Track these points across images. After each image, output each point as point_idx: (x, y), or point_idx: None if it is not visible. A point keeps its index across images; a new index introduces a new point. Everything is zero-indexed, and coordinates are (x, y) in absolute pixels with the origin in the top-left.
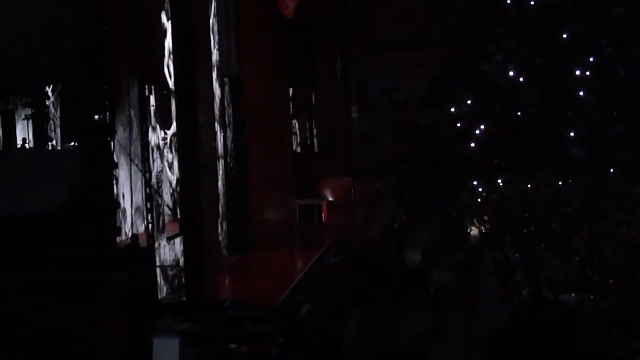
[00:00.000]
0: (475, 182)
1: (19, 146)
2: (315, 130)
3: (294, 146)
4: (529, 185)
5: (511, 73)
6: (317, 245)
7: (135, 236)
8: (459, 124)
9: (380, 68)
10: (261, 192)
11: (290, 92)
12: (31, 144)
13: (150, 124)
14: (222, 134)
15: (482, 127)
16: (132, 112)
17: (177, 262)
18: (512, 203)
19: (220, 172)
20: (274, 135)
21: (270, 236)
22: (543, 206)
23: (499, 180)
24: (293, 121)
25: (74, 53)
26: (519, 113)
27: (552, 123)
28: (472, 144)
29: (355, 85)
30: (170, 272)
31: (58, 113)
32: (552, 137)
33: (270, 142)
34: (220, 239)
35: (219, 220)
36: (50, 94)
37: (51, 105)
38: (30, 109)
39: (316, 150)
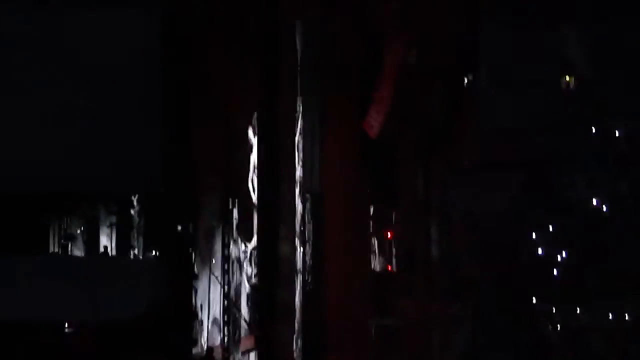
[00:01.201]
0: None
1: (101, 253)
2: (394, 250)
3: (373, 264)
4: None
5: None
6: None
7: (210, 349)
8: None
9: (462, 187)
10: (338, 310)
11: (371, 210)
12: (113, 252)
13: (232, 236)
14: (302, 249)
15: (564, 254)
16: (215, 224)
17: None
18: (593, 333)
19: (298, 287)
20: (353, 252)
21: (347, 356)
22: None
23: (579, 310)
24: (372, 239)
25: (160, 166)
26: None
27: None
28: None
29: (435, 204)
30: None
31: (142, 222)
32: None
33: (348, 259)
34: (295, 356)
35: (295, 337)
36: (135, 203)
37: (135, 215)
38: (114, 217)
39: (395, 270)
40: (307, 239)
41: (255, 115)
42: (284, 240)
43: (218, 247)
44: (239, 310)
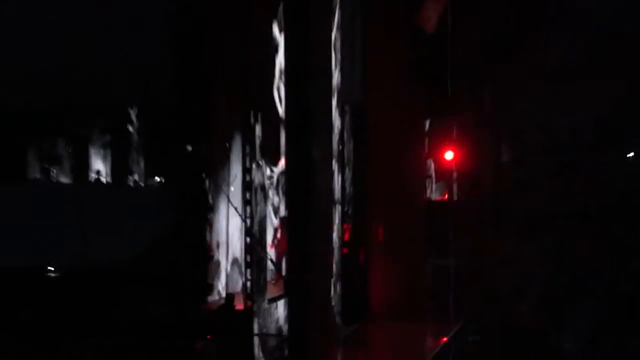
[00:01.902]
0: None
1: (92, 180)
2: (455, 174)
3: (428, 192)
4: None
5: None
6: (454, 318)
7: (230, 296)
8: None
9: (538, 101)
10: (384, 248)
11: (427, 126)
12: (107, 179)
13: (255, 159)
14: (340, 175)
15: None
16: (233, 144)
17: (280, 330)
18: None
19: (336, 221)
20: (404, 178)
21: (394, 304)
22: None
23: None
24: (428, 161)
25: (166, 71)
26: None
27: None
28: None
29: (506, 121)
30: (271, 343)
31: (142, 142)
32: None
33: (398, 186)
34: (333, 304)
35: (332, 281)
36: (134, 118)
37: (134, 133)
38: (108, 136)
39: (456, 199)
40: (346, 161)
41: (281, 7)
42: (319, 163)
43: (237, 171)
44: (264, 249)
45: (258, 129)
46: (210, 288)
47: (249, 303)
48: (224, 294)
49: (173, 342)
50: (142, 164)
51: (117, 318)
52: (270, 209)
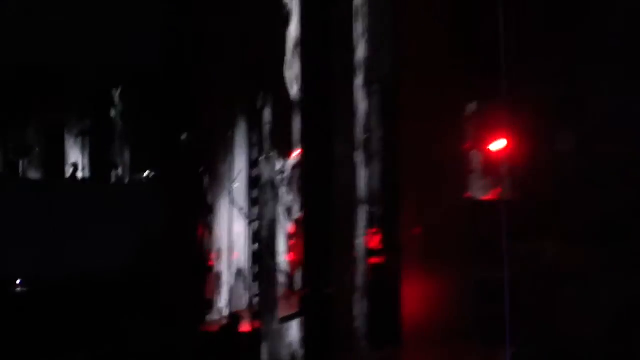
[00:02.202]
0: None
1: (68, 175)
2: (505, 168)
3: (472, 190)
4: None
5: None
6: (505, 343)
7: (235, 316)
8: None
9: (605, 78)
10: (420, 257)
11: (471, 109)
12: (86, 173)
13: (263, 150)
14: (367, 169)
15: None
16: (237, 132)
17: (294, 356)
18: None
19: (361, 225)
20: (443, 173)
21: (432, 324)
22: None
23: None
24: (472, 153)
25: (159, 41)
26: None
27: None
28: None
29: (562, 97)
30: None
31: (128, 129)
32: None
33: (436, 183)
34: (357, 324)
35: (357, 297)
36: (117, 100)
37: (118, 117)
38: (87, 122)
39: (507, 198)
40: (374, 151)
41: None
42: (340, 155)
43: (242, 165)
44: (275, 258)
45: (267, 114)
46: (209, 305)
47: (257, 323)
48: (226, 313)
49: None
50: (127, 156)
51: (95, 343)
52: (281, 209)
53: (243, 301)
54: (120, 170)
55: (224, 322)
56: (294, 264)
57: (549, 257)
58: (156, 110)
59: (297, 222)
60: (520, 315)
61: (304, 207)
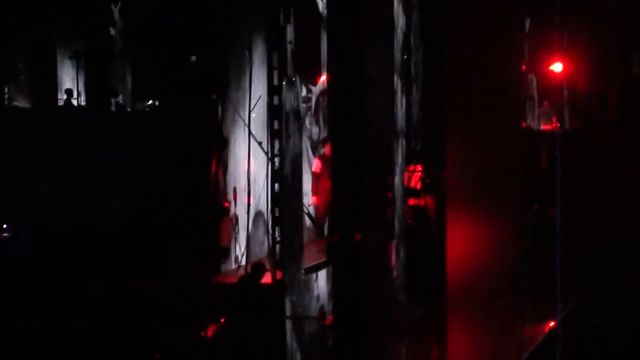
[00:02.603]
0: None
1: (61, 102)
2: (566, 94)
3: (529, 119)
4: None
5: None
6: (563, 296)
7: (258, 266)
8: None
9: None
10: (467, 198)
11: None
12: (82, 100)
13: (286, 74)
14: (405, 96)
15: None
16: (254, 52)
17: (322, 311)
18: None
19: (400, 161)
20: (495, 100)
21: (481, 276)
22: None
23: None
24: (529, 77)
25: None
26: None
27: None
28: None
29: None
30: (309, 328)
31: (128, 50)
32: None
33: (487, 112)
34: (395, 275)
35: (394, 244)
36: (117, 16)
37: (117, 37)
38: (82, 43)
39: (568, 128)
40: (414, 77)
41: None
42: (375, 79)
43: (261, 91)
44: (300, 199)
45: (289, 32)
46: (225, 253)
47: (279, 274)
48: (244, 262)
49: (176, 326)
50: (128, 81)
51: (96, 296)
52: (307, 144)
53: (263, 249)
54: (120, 98)
55: (243, 272)
56: (321, 207)
57: (615, 197)
58: (160, 29)
59: (324, 158)
60: (582, 264)
61: (332, 140)
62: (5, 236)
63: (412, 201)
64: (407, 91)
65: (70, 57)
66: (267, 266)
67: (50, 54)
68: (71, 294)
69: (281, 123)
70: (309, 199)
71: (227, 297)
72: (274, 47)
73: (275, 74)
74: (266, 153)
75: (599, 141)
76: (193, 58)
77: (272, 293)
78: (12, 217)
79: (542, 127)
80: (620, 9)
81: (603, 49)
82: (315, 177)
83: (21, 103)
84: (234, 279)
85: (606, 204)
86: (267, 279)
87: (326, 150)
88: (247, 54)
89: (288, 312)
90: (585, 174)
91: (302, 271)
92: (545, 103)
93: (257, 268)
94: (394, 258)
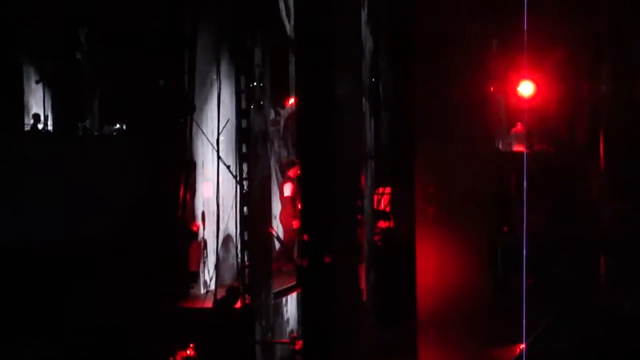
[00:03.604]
0: None
1: (27, 127)
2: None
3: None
4: None
5: None
6: (534, 316)
7: (233, 290)
8: None
9: None
10: (437, 219)
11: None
12: (49, 125)
13: (253, 97)
14: (373, 117)
15: None
16: (222, 76)
17: (292, 336)
18: None
19: (369, 183)
20: (462, 122)
21: (451, 296)
22: None
23: None
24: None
25: None
26: None
27: None
28: None
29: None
30: (279, 353)
31: (96, 74)
32: None
33: (454, 134)
34: (365, 297)
35: (364, 267)
36: (83, 39)
37: (85, 61)
38: (50, 65)
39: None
40: (382, 99)
41: None
42: (343, 101)
43: (229, 114)
44: (268, 222)
45: (257, 55)
46: (193, 278)
47: (247, 300)
48: (212, 286)
49: (145, 351)
50: (96, 105)
51: (64, 317)
52: (275, 166)
53: (231, 272)
54: (87, 122)
55: (216, 297)
56: (289, 229)
57: (588, 217)
58: (130, 52)
59: (293, 180)
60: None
61: (301, 163)
62: None
63: (381, 224)
64: (375, 113)
65: (36, 82)
66: (236, 290)
67: (17, 78)
68: (38, 316)
69: (249, 146)
70: (277, 222)
71: (201, 322)
72: (241, 70)
73: (243, 96)
74: (234, 176)
75: (569, 163)
76: (161, 82)
77: (242, 318)
78: None
79: (514, 149)
80: (589, 27)
81: (572, 69)
82: (290, 200)
83: None
84: (203, 304)
85: (577, 226)
86: (237, 303)
87: (291, 173)
88: (214, 77)
89: (258, 337)
90: (556, 196)
91: (271, 295)
92: (518, 125)
93: (231, 292)
94: (364, 281)
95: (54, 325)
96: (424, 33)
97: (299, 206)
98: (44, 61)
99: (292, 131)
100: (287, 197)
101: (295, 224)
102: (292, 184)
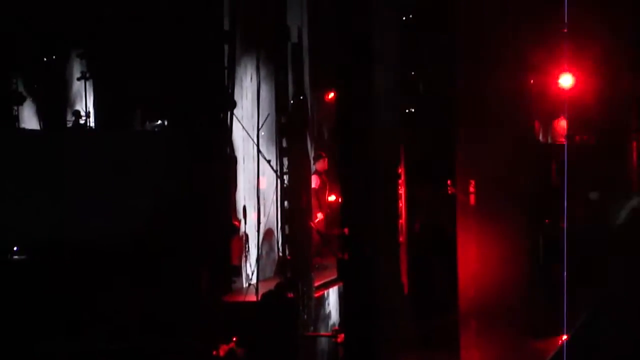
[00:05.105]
0: None
1: (70, 124)
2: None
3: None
4: None
5: None
6: (576, 309)
7: (282, 286)
8: None
9: None
10: (476, 213)
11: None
12: (91, 121)
13: (295, 90)
14: (412, 111)
15: None
16: (261, 70)
17: (334, 329)
18: None
19: (409, 175)
20: (503, 114)
21: (493, 290)
22: None
23: None
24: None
25: None
26: None
27: None
28: None
29: None
30: (320, 346)
31: (137, 69)
32: None
33: (495, 126)
34: (406, 291)
35: (405, 259)
36: (123, 35)
37: (125, 56)
38: (89, 62)
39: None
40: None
41: None
42: (384, 88)
43: (269, 109)
44: (309, 216)
45: (297, 49)
46: (235, 272)
47: (290, 295)
48: (253, 280)
49: (186, 345)
50: (137, 101)
51: (106, 315)
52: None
53: (273, 267)
54: (130, 119)
55: (251, 292)
56: (328, 223)
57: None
58: (171, 42)
59: (320, 174)
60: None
61: (340, 155)
62: (17, 259)
63: (422, 216)
64: (415, 107)
65: (78, 79)
66: (279, 284)
67: (58, 75)
68: (81, 314)
69: (289, 141)
70: (317, 216)
71: (249, 315)
72: (282, 62)
73: (283, 91)
74: (275, 171)
75: (610, 155)
76: (202, 78)
77: (285, 311)
78: (22, 239)
79: (556, 140)
80: (631, 19)
81: (613, 61)
82: (315, 193)
83: (29, 125)
84: (245, 298)
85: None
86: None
87: (318, 166)
88: (254, 72)
89: (301, 330)
90: (596, 187)
91: (313, 289)
92: (561, 117)
93: (286, 283)
94: (405, 274)
95: (94, 321)
96: (465, 27)
97: (325, 199)
98: (86, 58)
99: (320, 123)
100: (317, 189)
101: (320, 216)
102: (318, 177)
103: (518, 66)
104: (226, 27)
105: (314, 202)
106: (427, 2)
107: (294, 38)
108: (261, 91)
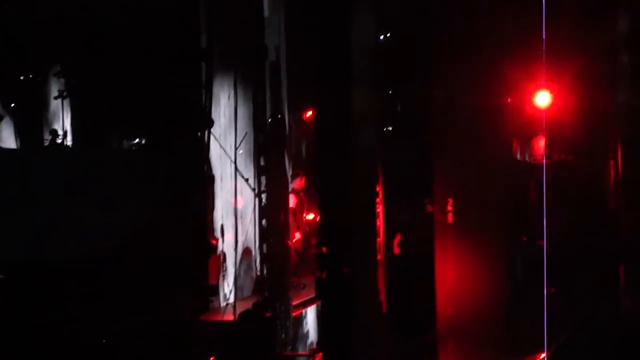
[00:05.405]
0: None
1: (46, 143)
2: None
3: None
4: None
5: None
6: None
7: (259, 305)
8: None
9: None
10: (453, 232)
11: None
12: (68, 140)
13: (271, 109)
14: (390, 129)
15: None
16: (238, 88)
17: (312, 348)
18: None
19: (386, 193)
20: (480, 133)
21: (472, 309)
22: None
23: None
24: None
25: None
26: None
27: None
28: None
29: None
30: None
31: (114, 88)
32: None
33: (472, 145)
34: (384, 310)
35: (383, 278)
36: (100, 53)
37: (102, 75)
38: (67, 80)
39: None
40: (401, 109)
41: None
42: (360, 116)
43: (247, 128)
44: (287, 234)
45: (275, 68)
46: (212, 292)
47: (267, 313)
48: (231, 299)
49: None
50: (114, 120)
51: (83, 334)
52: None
53: (251, 286)
54: (106, 137)
55: (230, 311)
56: (306, 241)
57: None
58: (148, 63)
59: (297, 193)
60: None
61: (319, 175)
62: None
63: (399, 235)
64: (392, 125)
65: (56, 97)
66: (256, 303)
67: (36, 94)
68: (54, 333)
69: (267, 159)
70: (295, 235)
71: (224, 334)
72: (259, 83)
73: (259, 109)
74: (253, 189)
75: (588, 172)
76: (178, 96)
77: (262, 330)
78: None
79: (535, 159)
80: (607, 36)
81: (590, 78)
82: (292, 212)
83: (6, 145)
84: (223, 317)
85: (596, 235)
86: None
87: (296, 184)
88: (231, 90)
89: (278, 349)
90: (574, 205)
91: (291, 307)
92: (539, 135)
93: (257, 307)
94: (383, 292)
95: (70, 339)
96: (440, 45)
97: (302, 218)
98: (62, 77)
99: (298, 142)
100: (294, 209)
101: (297, 235)
102: (295, 195)
103: (495, 85)
104: (203, 45)
105: (291, 221)
106: (404, 22)
107: (272, 56)
108: (239, 109)
